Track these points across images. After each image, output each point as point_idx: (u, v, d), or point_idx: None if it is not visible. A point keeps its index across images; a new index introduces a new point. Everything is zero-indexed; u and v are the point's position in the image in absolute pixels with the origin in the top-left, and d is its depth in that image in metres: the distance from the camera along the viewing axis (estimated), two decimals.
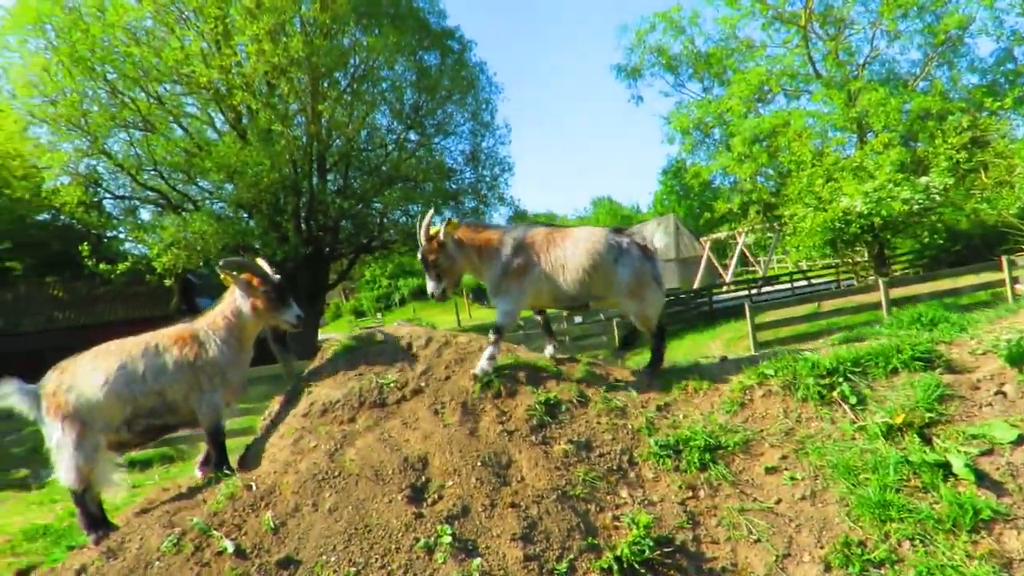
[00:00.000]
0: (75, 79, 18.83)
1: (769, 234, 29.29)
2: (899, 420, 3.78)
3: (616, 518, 3.53)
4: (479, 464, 3.75)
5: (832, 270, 25.76)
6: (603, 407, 4.32)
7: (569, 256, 4.54)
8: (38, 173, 20.90)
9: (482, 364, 4.48)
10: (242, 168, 18.65)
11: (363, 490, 3.56)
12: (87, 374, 3.97)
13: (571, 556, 3.25)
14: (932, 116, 22.48)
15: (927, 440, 3.70)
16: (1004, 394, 3.88)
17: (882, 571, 3.13)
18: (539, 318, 5.19)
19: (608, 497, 3.68)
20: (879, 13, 24.46)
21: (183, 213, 20.67)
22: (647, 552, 3.25)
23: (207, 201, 22.03)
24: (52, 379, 4.01)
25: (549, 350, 4.99)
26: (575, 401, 4.36)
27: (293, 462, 3.86)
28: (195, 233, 18.93)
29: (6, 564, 6.15)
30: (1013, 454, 3.47)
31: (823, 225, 18.79)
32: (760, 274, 31.52)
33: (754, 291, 25.42)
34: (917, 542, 3.20)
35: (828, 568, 3.20)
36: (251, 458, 4.27)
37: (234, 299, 4.33)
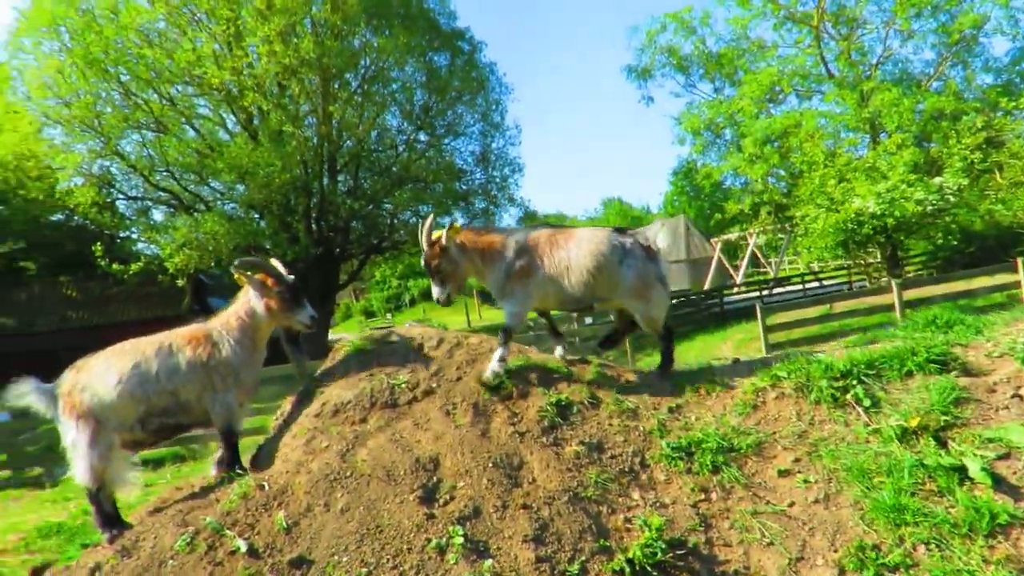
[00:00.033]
0: (89, 81, 19.01)
1: (780, 235, 29.14)
2: (914, 423, 3.74)
3: (628, 520, 3.52)
4: (490, 465, 3.74)
5: (844, 271, 25.59)
6: (615, 409, 4.31)
7: (573, 257, 4.53)
8: (52, 174, 21.10)
9: (492, 366, 4.48)
10: (253, 169, 18.76)
11: (375, 490, 3.57)
12: (101, 374, 4.00)
13: (583, 558, 3.24)
14: (946, 116, 22.28)
15: (942, 443, 3.66)
16: (1021, 397, 3.83)
17: (897, 575, 3.10)
18: (543, 320, 5.17)
19: (620, 499, 3.67)
20: (892, 12, 24.26)
21: (195, 214, 20.82)
22: (659, 555, 3.23)
23: (219, 202, 22.19)
24: (68, 378, 4.04)
25: (559, 351, 4.98)
26: (586, 403, 4.35)
27: (305, 462, 3.87)
28: (207, 234, 19.05)
29: (20, 561, 6.22)
30: None
31: (835, 226, 18.65)
32: (771, 275, 31.38)
33: (765, 292, 25.32)
34: (933, 546, 3.17)
35: (842, 572, 3.17)
36: (263, 458, 4.29)
37: (248, 299, 4.34)
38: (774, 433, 4.05)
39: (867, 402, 4.06)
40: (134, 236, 26.43)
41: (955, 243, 20.47)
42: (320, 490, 3.61)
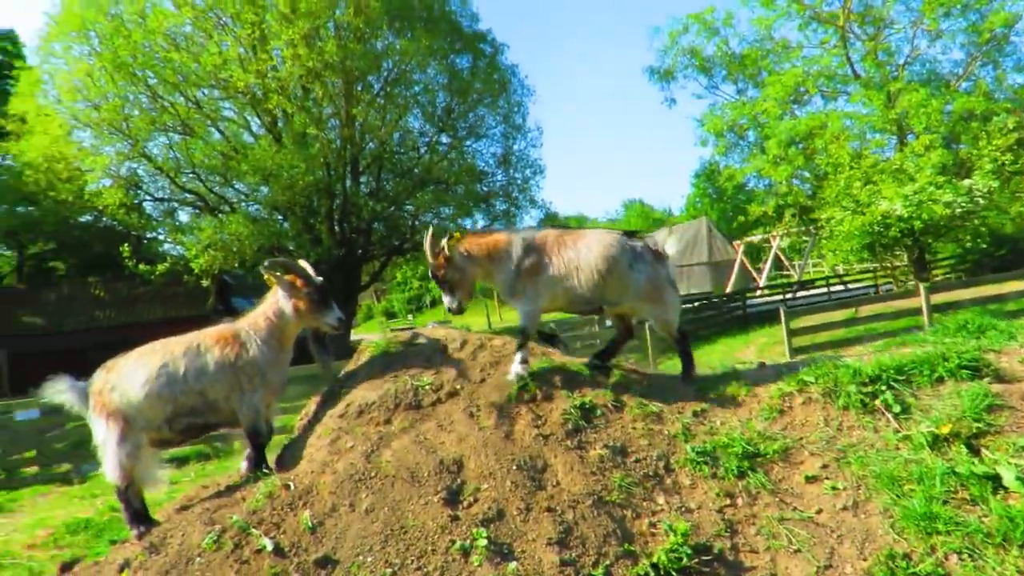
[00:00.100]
0: (117, 84, 19.36)
1: (805, 238, 28.81)
2: (945, 430, 3.68)
3: (653, 525, 3.49)
4: (514, 468, 3.74)
5: (870, 275, 25.25)
6: (639, 412, 4.28)
7: (583, 257, 4.49)
8: (81, 176, 21.49)
9: (515, 368, 4.47)
10: (277, 171, 18.96)
11: (399, 491, 3.58)
12: (130, 374, 4.06)
13: (607, 562, 3.22)
14: (976, 117, 21.87)
15: (975, 451, 3.59)
16: None
17: None
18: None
19: (644, 503, 3.65)
20: (920, 12, 23.86)
21: (220, 215, 21.08)
22: (684, 560, 3.21)
23: (243, 203, 22.46)
24: (99, 377, 4.11)
25: (560, 351, 4.92)
26: (610, 406, 4.33)
27: (330, 462, 3.90)
28: (231, 235, 19.28)
29: (50, 556, 6.33)
30: None
31: (861, 229, 18.38)
32: (795, 278, 31.04)
33: (789, 295, 25.06)
34: (965, 556, 3.10)
35: None
36: (289, 458, 4.32)
37: (276, 300, 4.37)
38: (801, 439, 4.00)
39: (897, 408, 4.00)
40: (160, 237, 26.89)
41: (984, 246, 20.11)
42: (345, 490, 3.63)
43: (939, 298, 12.84)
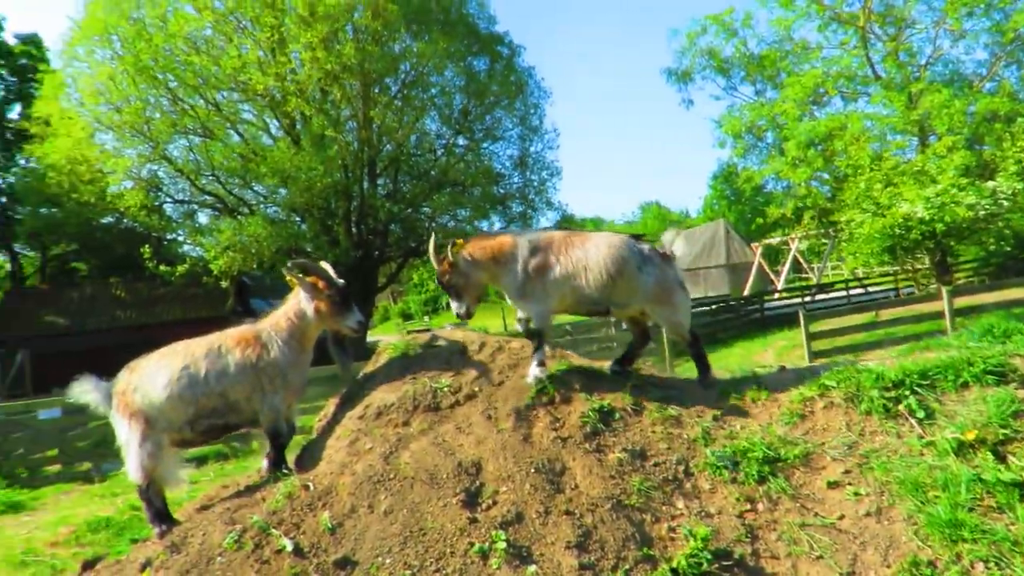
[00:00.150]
0: (139, 87, 19.60)
1: (824, 240, 28.55)
2: (971, 436, 3.62)
3: (672, 529, 3.47)
4: (533, 470, 3.73)
5: (890, 278, 24.96)
6: (658, 416, 4.25)
7: (591, 257, 4.46)
8: (103, 178, 21.77)
9: (533, 371, 4.46)
10: (295, 173, 19.11)
11: (418, 493, 3.59)
12: (152, 375, 4.10)
13: (626, 566, 3.20)
14: (1000, 118, 21.60)
15: (1001, 458, 3.53)
16: None
17: None
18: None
19: (664, 507, 3.62)
20: (943, 12, 23.61)
21: (239, 217, 21.28)
22: (704, 565, 3.18)
23: (262, 205, 22.66)
24: (123, 378, 4.16)
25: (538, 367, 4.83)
26: (629, 409, 4.31)
27: (349, 463, 3.91)
28: (250, 236, 19.45)
29: (71, 553, 6.39)
30: None
31: (882, 231, 18.21)
32: (814, 281, 30.76)
33: (807, 299, 24.82)
34: (992, 564, 3.05)
35: None
36: (308, 458, 4.35)
37: (298, 301, 4.39)
38: (823, 444, 3.96)
39: (921, 413, 3.94)
40: (180, 239, 27.19)
41: (1008, 249, 19.83)
42: (364, 491, 3.64)
43: (962, 302, 12.66)
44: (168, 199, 24.06)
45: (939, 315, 12.27)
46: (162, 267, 20.48)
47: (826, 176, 24.85)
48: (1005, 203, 17.56)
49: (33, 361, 23.50)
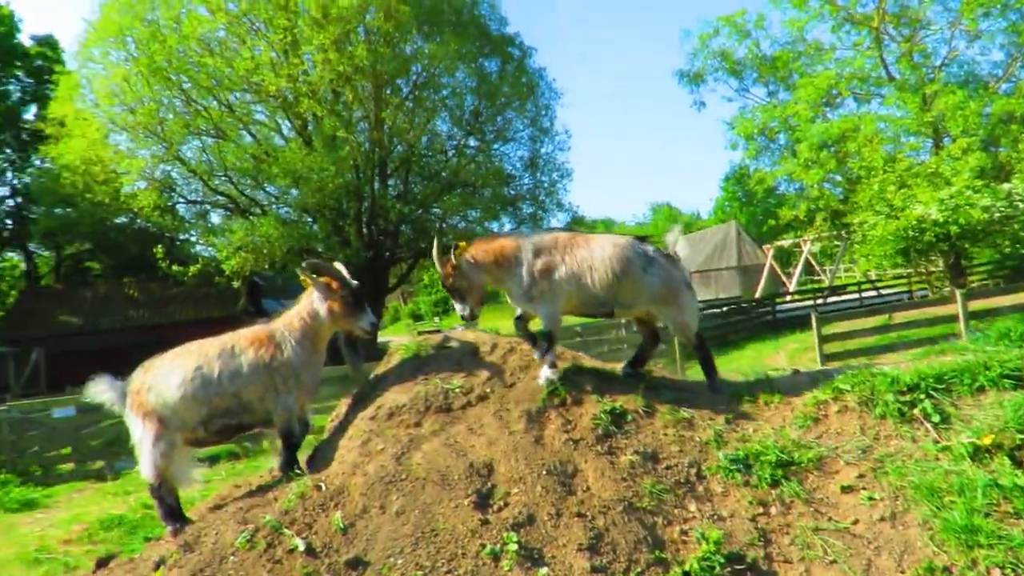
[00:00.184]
0: (153, 88, 19.75)
1: (836, 242, 28.36)
2: (987, 441, 3.58)
3: (684, 532, 3.45)
4: (544, 472, 3.72)
5: (903, 280, 24.77)
6: (670, 418, 4.24)
7: (597, 257, 4.46)
8: (117, 178, 21.94)
9: (545, 372, 4.46)
10: (307, 174, 19.19)
11: (430, 494, 3.59)
12: (166, 375, 4.12)
13: (638, 569, 3.19)
14: (1016, 119, 21.38)
15: (1018, 463, 3.49)
16: None
17: None
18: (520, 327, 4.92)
19: (676, 510, 3.61)
20: (959, 12, 23.39)
21: (251, 217, 21.40)
22: (717, 569, 3.17)
23: (274, 206, 22.77)
24: (137, 378, 4.19)
25: (537, 355, 4.80)
26: (641, 411, 4.29)
27: (361, 464, 3.92)
28: (262, 237, 19.55)
29: (85, 551, 6.44)
30: None
31: (895, 233, 18.07)
32: (826, 283, 30.57)
33: (820, 301, 24.66)
34: (1009, 570, 3.02)
35: None
36: (320, 459, 4.36)
37: (311, 301, 4.41)
38: (836, 448, 3.93)
39: (936, 418, 3.91)
40: (193, 239, 27.37)
41: None
42: (376, 492, 3.64)
43: (976, 305, 12.54)
44: (181, 199, 24.26)
45: (953, 318, 12.16)
46: (175, 267, 20.62)
47: (839, 178, 24.67)
48: (1021, 205, 17.39)
49: (47, 360, 23.71)
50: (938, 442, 3.77)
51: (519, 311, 4.77)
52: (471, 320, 4.74)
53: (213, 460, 10.34)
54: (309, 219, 22.57)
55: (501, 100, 23.52)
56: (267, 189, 22.57)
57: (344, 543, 3.38)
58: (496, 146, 25.01)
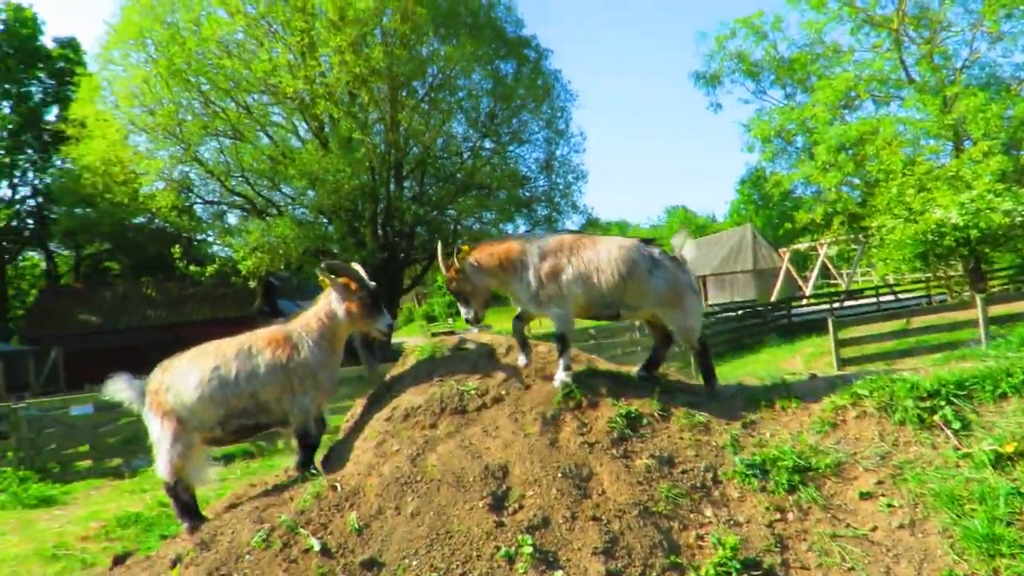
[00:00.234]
0: (172, 90, 19.97)
1: (853, 246, 28.10)
2: (1009, 449, 3.53)
3: (700, 537, 3.43)
4: (559, 475, 3.71)
5: (922, 285, 24.51)
6: (686, 422, 4.21)
7: (603, 259, 4.44)
8: (136, 179, 22.20)
9: (560, 375, 4.45)
10: (323, 175, 19.30)
11: (444, 496, 3.59)
12: (184, 375, 4.15)
13: (653, 573, 3.17)
14: None
15: None
16: None
17: None
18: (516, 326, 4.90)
19: (691, 515, 3.58)
20: (980, 14, 23.14)
21: (267, 218, 21.56)
22: (733, 574, 3.14)
23: (290, 207, 22.92)
24: (156, 377, 4.22)
25: (522, 360, 4.78)
26: (656, 415, 4.27)
27: (376, 465, 3.93)
28: (278, 237, 19.69)
29: (102, 548, 6.50)
30: None
31: (914, 237, 17.87)
32: (843, 287, 30.30)
33: (836, 305, 24.45)
34: None
35: None
36: (335, 459, 4.38)
37: (329, 301, 4.41)
38: (855, 454, 3.88)
39: (957, 424, 3.85)
40: (210, 239, 27.60)
41: None
42: (391, 493, 3.65)
43: (997, 310, 12.38)
44: (198, 200, 24.50)
45: (973, 323, 12.01)
46: (192, 267, 20.83)
47: (857, 181, 24.47)
48: None
49: (66, 358, 24.01)
50: (959, 449, 3.72)
51: (519, 311, 4.78)
52: (476, 323, 4.74)
53: (228, 459, 10.42)
54: (325, 220, 22.70)
55: (517, 102, 23.56)
56: (283, 190, 22.74)
57: (359, 544, 3.39)
58: (511, 148, 25.06)
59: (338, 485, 3.79)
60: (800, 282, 34.14)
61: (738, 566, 3.17)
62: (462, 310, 4.71)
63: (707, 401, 4.56)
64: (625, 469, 3.81)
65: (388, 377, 5.09)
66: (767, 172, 30.36)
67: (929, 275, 22.46)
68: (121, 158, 22.20)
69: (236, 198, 23.25)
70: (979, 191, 17.17)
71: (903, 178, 19.23)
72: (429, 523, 3.43)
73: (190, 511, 4.18)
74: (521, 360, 4.74)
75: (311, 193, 21.49)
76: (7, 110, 33.55)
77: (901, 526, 3.41)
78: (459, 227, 23.86)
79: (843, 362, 12.06)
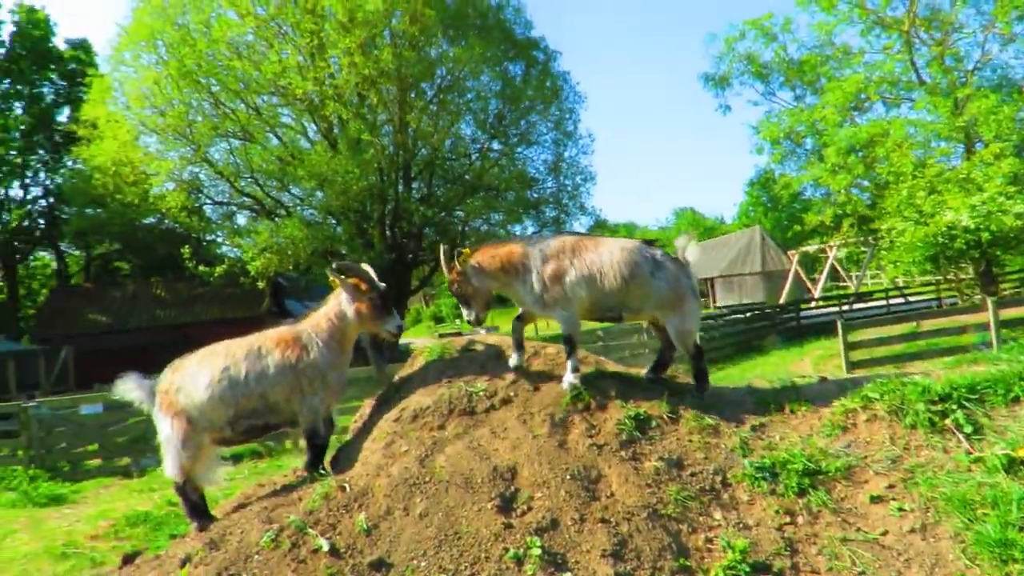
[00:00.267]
0: (182, 91, 20.08)
1: (863, 248, 27.95)
2: (1022, 453, 3.50)
3: (709, 540, 3.42)
4: (568, 477, 3.71)
5: (932, 287, 24.35)
6: (695, 425, 4.20)
7: (606, 261, 4.43)
8: (146, 179, 22.32)
9: (568, 378, 4.44)
10: (332, 176, 19.36)
11: (453, 497, 3.59)
12: (194, 375, 4.16)
13: None
14: None
15: None
16: None
17: None
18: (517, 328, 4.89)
19: (701, 518, 3.57)
20: (992, 16, 22.98)
21: (276, 219, 21.65)
22: None
23: (298, 208, 23.00)
24: (166, 377, 4.24)
25: (514, 360, 4.77)
26: (665, 417, 4.26)
27: (385, 465, 3.93)
28: (287, 238, 19.75)
29: (111, 547, 6.54)
30: None
31: (924, 240, 17.75)
32: (852, 290, 30.16)
33: (845, 307, 24.34)
34: None
35: None
36: (344, 459, 4.38)
37: (339, 302, 4.41)
38: (865, 457, 3.86)
39: (969, 428, 3.83)
40: (219, 240, 27.73)
41: None
42: (400, 494, 3.65)
43: (1008, 313, 12.31)
44: (208, 201, 24.61)
45: (984, 327, 11.94)
46: (201, 267, 20.92)
47: (866, 183, 24.33)
48: None
49: (76, 357, 24.16)
50: (971, 453, 3.69)
51: (520, 312, 4.78)
52: (477, 325, 4.74)
53: (236, 459, 10.46)
54: (333, 221, 22.77)
55: (525, 104, 23.57)
56: (292, 191, 22.83)
57: (368, 544, 3.39)
58: (520, 149, 25.07)
59: (347, 486, 3.80)
60: (809, 284, 34.01)
61: (748, 569, 3.17)
62: (464, 312, 4.72)
63: (716, 403, 4.54)
64: (634, 471, 3.80)
65: (397, 378, 5.10)
66: (776, 174, 30.18)
67: (939, 278, 22.31)
68: (132, 159, 22.31)
69: (245, 199, 23.34)
70: (990, 193, 17.04)
71: (913, 180, 19.09)
72: (438, 524, 3.43)
73: (199, 511, 4.20)
74: (512, 360, 4.74)
75: (320, 194, 21.55)
76: (19, 111, 33.84)
77: (912, 530, 3.39)
78: (467, 228, 23.89)
79: (852, 365, 12.00)
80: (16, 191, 34.82)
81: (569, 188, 25.25)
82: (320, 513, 3.60)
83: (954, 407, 3.97)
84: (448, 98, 22.63)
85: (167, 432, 4.14)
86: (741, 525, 3.53)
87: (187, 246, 21.39)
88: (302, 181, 20.71)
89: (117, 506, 8.52)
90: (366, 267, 4.49)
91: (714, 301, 41.92)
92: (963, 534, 3.27)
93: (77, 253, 38.22)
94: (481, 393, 4.44)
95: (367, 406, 4.99)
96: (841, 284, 35.53)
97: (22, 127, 33.73)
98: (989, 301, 12.04)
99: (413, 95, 21.90)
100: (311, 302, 4.68)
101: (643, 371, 4.95)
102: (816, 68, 26.93)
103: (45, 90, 34.68)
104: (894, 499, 3.58)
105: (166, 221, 26.35)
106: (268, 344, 4.25)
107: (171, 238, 28.14)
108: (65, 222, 32.41)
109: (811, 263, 36.77)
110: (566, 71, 25.74)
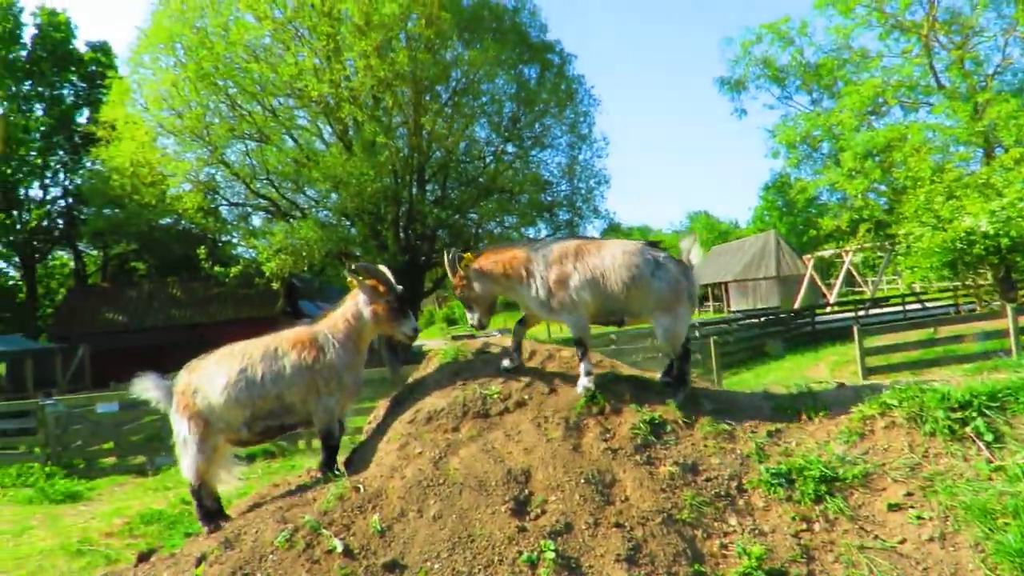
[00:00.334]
0: (200, 93, 20.27)
1: (879, 254, 27.69)
2: None
3: (724, 546, 3.39)
4: (582, 481, 3.69)
5: (950, 293, 24.07)
6: (710, 430, 4.17)
7: (608, 264, 4.41)
8: (164, 180, 22.53)
9: (582, 382, 4.42)
10: (347, 178, 19.45)
11: (467, 499, 3.58)
12: (211, 377, 4.17)
13: None
14: None
15: None
16: None
17: None
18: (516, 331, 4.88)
19: (716, 524, 3.54)
20: (1013, 19, 22.75)
21: (291, 220, 21.77)
22: None
23: (313, 209, 23.13)
24: (183, 378, 4.25)
25: (507, 362, 4.76)
26: (680, 422, 4.23)
27: (399, 467, 3.93)
28: (301, 239, 19.87)
29: (125, 544, 6.59)
30: None
31: (942, 245, 17.54)
32: (868, 295, 29.88)
33: (861, 313, 24.12)
34: None
35: None
36: (358, 461, 4.39)
37: (356, 303, 4.41)
38: (883, 464, 3.81)
39: (989, 436, 3.77)
40: (234, 240, 27.93)
41: None
42: (414, 496, 3.65)
43: None
44: (224, 202, 24.80)
45: (1003, 333, 11.78)
46: (216, 268, 21.10)
47: (883, 188, 24.12)
48: None
49: (93, 356, 24.39)
50: (991, 462, 3.64)
51: (523, 316, 4.79)
52: (481, 329, 4.75)
53: (250, 459, 10.51)
54: (348, 223, 22.87)
55: (540, 107, 23.60)
56: (307, 193, 22.98)
57: (381, 545, 3.39)
58: (534, 152, 25.10)
59: (361, 487, 3.80)
60: (824, 289, 33.74)
61: None
62: (468, 316, 4.73)
63: (732, 408, 4.51)
64: (648, 476, 3.78)
65: (411, 380, 5.10)
66: (792, 178, 30.02)
67: (957, 284, 22.05)
68: (149, 160, 22.52)
69: (261, 200, 23.51)
70: (1010, 199, 16.81)
71: (931, 185, 18.89)
72: (451, 526, 3.43)
73: (211, 515, 4.21)
74: (505, 362, 4.74)
75: (335, 196, 21.67)
76: (40, 112, 34.27)
77: (931, 539, 3.34)
78: (480, 231, 23.92)
79: (869, 371, 11.88)
80: (36, 191, 35.31)
81: (583, 191, 25.25)
82: (334, 514, 3.61)
83: (974, 415, 3.91)
84: (463, 101, 22.70)
85: (184, 434, 4.16)
86: (757, 531, 3.50)
87: (203, 247, 21.59)
88: (317, 183, 20.84)
89: (132, 504, 8.60)
90: (383, 269, 4.49)
91: (728, 305, 41.72)
92: (983, 543, 3.22)
93: (95, 253, 38.63)
94: (495, 396, 4.43)
95: (381, 407, 5.00)
96: (856, 289, 35.22)
97: (43, 128, 34.16)
98: (1008, 308, 11.88)
99: (428, 98, 21.98)
100: (324, 303, 4.70)
101: (657, 375, 4.93)
102: (833, 72, 26.79)
103: (65, 92, 35.12)
104: (912, 507, 3.53)
105: (182, 222, 26.57)
106: (284, 345, 4.26)
107: (187, 239, 28.38)
108: (83, 222, 32.73)
109: (826, 268, 36.50)
110: (581, 74, 25.81)
